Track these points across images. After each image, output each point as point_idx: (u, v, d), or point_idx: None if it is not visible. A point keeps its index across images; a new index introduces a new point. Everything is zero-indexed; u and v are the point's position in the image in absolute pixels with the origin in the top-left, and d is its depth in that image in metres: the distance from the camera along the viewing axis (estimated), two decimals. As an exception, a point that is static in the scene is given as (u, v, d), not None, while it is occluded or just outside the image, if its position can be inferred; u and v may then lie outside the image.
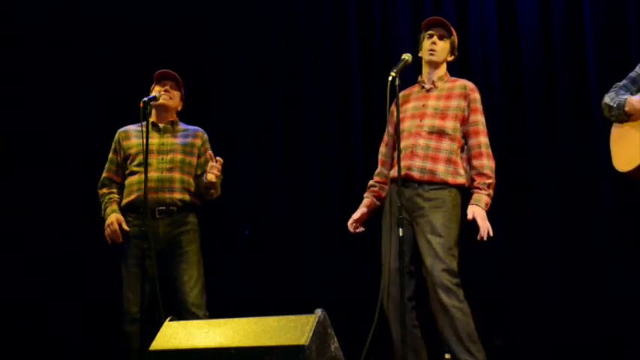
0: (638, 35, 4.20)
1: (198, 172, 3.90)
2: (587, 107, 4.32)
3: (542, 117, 4.53)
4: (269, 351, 2.50)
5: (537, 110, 4.55)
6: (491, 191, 3.33)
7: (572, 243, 4.30)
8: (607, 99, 3.19)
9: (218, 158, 3.73)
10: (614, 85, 3.24)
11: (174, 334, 2.76)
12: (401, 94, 3.42)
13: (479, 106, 3.43)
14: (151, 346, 2.77)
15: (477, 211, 3.26)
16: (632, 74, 3.19)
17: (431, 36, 3.50)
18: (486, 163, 3.34)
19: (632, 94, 3.13)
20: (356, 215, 3.54)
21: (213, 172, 3.70)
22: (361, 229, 3.54)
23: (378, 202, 3.57)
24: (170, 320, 2.86)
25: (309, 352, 2.43)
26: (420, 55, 3.57)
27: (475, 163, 3.36)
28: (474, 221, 3.28)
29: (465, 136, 3.41)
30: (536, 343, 4.31)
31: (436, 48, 3.47)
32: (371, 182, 3.62)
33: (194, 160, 3.89)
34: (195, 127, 4.00)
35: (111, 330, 4.33)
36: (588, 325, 4.16)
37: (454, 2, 4.87)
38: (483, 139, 3.38)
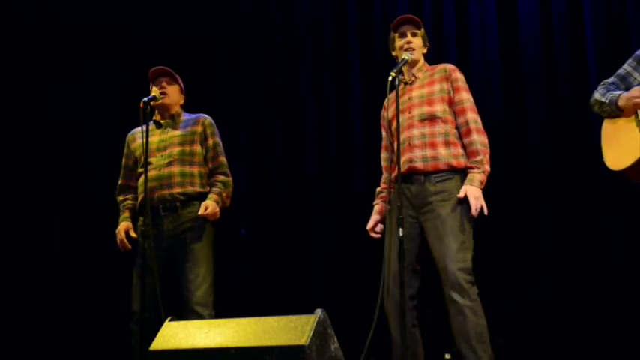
0: (638, 35, 4.20)
1: (209, 156, 3.83)
2: (587, 107, 4.32)
3: (542, 117, 4.54)
4: (269, 351, 2.50)
5: (537, 110, 4.55)
6: (486, 167, 3.28)
7: (573, 243, 4.31)
8: (597, 95, 3.15)
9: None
10: (602, 82, 3.20)
11: (174, 334, 2.76)
12: (390, 96, 3.41)
13: (462, 84, 3.41)
14: (151, 346, 2.77)
15: (469, 190, 3.22)
16: (621, 72, 3.15)
17: (403, 34, 3.50)
18: (476, 139, 3.31)
19: (622, 91, 3.09)
20: (370, 224, 3.53)
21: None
22: (378, 235, 3.54)
23: (388, 207, 3.57)
24: (170, 320, 2.86)
25: (309, 352, 2.43)
26: (394, 55, 3.56)
27: (465, 141, 3.34)
28: (479, 218, 3.27)
29: (455, 116, 3.39)
30: (536, 343, 4.32)
31: (413, 46, 3.47)
32: (378, 189, 3.62)
33: (196, 147, 3.80)
34: (198, 115, 3.92)
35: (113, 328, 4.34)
36: (588, 325, 4.16)
37: (454, 2, 4.88)
38: (470, 116, 3.35)
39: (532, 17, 4.61)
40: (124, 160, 3.92)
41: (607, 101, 3.07)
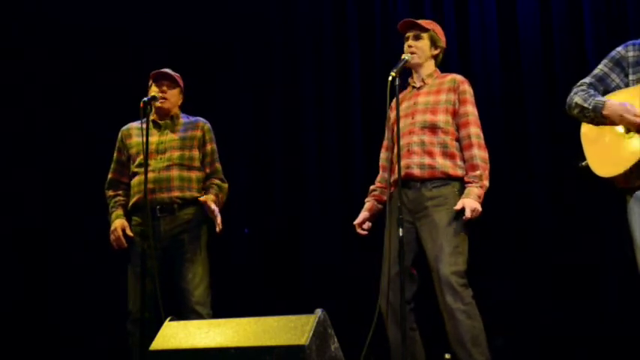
0: (638, 35, 4.19)
1: (207, 161, 3.87)
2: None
3: (542, 117, 4.53)
4: (269, 351, 2.50)
5: (537, 110, 4.55)
6: (484, 182, 3.30)
7: (572, 242, 4.30)
8: (578, 99, 2.98)
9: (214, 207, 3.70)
10: (578, 84, 3.06)
11: (174, 334, 2.76)
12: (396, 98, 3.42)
13: (468, 97, 3.41)
14: (151, 346, 2.77)
15: (466, 202, 3.23)
16: (598, 72, 3.03)
17: (407, 39, 3.52)
18: (476, 153, 3.32)
19: (600, 93, 2.99)
20: (358, 220, 3.55)
21: (213, 217, 3.69)
22: (364, 232, 3.55)
23: (379, 206, 3.58)
24: (170, 320, 2.86)
25: (309, 352, 2.43)
26: None
27: (466, 154, 3.35)
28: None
29: (457, 128, 3.40)
30: (536, 343, 4.31)
31: (413, 49, 3.48)
32: (372, 187, 3.64)
33: (195, 152, 3.83)
34: (197, 118, 3.94)
35: (113, 329, 4.34)
36: (588, 325, 4.16)
37: (454, 2, 4.88)
38: (473, 130, 3.36)
39: (532, 17, 4.61)
40: (116, 155, 3.92)
41: (590, 107, 2.92)
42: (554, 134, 4.46)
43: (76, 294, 5.14)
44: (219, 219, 3.69)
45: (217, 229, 3.69)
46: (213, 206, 3.69)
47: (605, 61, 3.04)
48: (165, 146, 3.80)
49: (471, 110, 3.40)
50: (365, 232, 3.54)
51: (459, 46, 4.83)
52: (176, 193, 3.73)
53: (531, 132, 4.56)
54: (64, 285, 5.17)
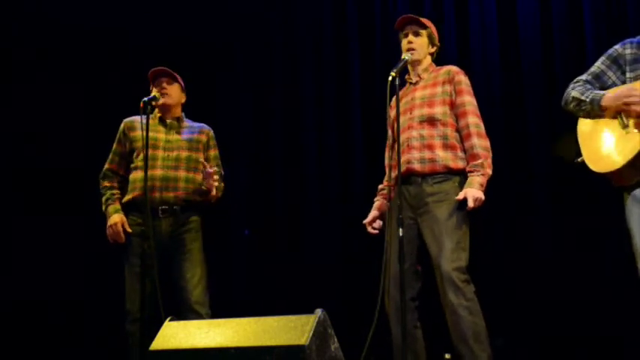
0: (638, 35, 4.19)
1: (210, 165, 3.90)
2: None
3: (542, 117, 4.53)
4: (269, 351, 2.50)
5: (537, 110, 4.55)
6: (486, 170, 3.28)
7: (573, 243, 4.30)
8: (575, 93, 2.98)
9: (213, 169, 3.71)
10: (575, 80, 3.06)
11: (174, 334, 2.76)
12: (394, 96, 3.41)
13: (464, 87, 3.40)
14: (151, 346, 2.77)
15: (468, 192, 3.21)
16: (595, 70, 3.02)
17: (406, 35, 3.52)
18: (476, 142, 3.31)
19: (596, 90, 2.98)
20: (368, 218, 3.55)
21: (210, 182, 3.69)
22: (375, 231, 3.54)
23: (388, 204, 3.58)
24: (170, 320, 2.86)
25: (309, 352, 2.43)
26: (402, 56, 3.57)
27: (466, 144, 3.34)
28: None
29: (456, 119, 3.38)
30: (536, 343, 4.31)
31: (414, 46, 3.48)
32: (380, 186, 3.63)
33: (200, 155, 3.85)
34: (201, 124, 3.98)
35: (112, 329, 4.34)
36: (589, 325, 4.16)
37: (454, 2, 4.88)
38: (472, 119, 3.34)
39: (532, 17, 4.60)
40: (115, 146, 3.90)
41: (588, 100, 2.92)
42: (554, 134, 4.46)
43: (76, 294, 5.14)
44: (215, 178, 3.68)
45: (212, 193, 3.71)
46: (211, 169, 3.69)
47: (602, 58, 3.03)
48: (173, 145, 3.82)
49: (468, 100, 3.38)
50: (376, 232, 3.53)
51: (459, 46, 4.83)
52: (182, 195, 3.75)
53: (531, 132, 4.56)
54: (64, 285, 5.16)
